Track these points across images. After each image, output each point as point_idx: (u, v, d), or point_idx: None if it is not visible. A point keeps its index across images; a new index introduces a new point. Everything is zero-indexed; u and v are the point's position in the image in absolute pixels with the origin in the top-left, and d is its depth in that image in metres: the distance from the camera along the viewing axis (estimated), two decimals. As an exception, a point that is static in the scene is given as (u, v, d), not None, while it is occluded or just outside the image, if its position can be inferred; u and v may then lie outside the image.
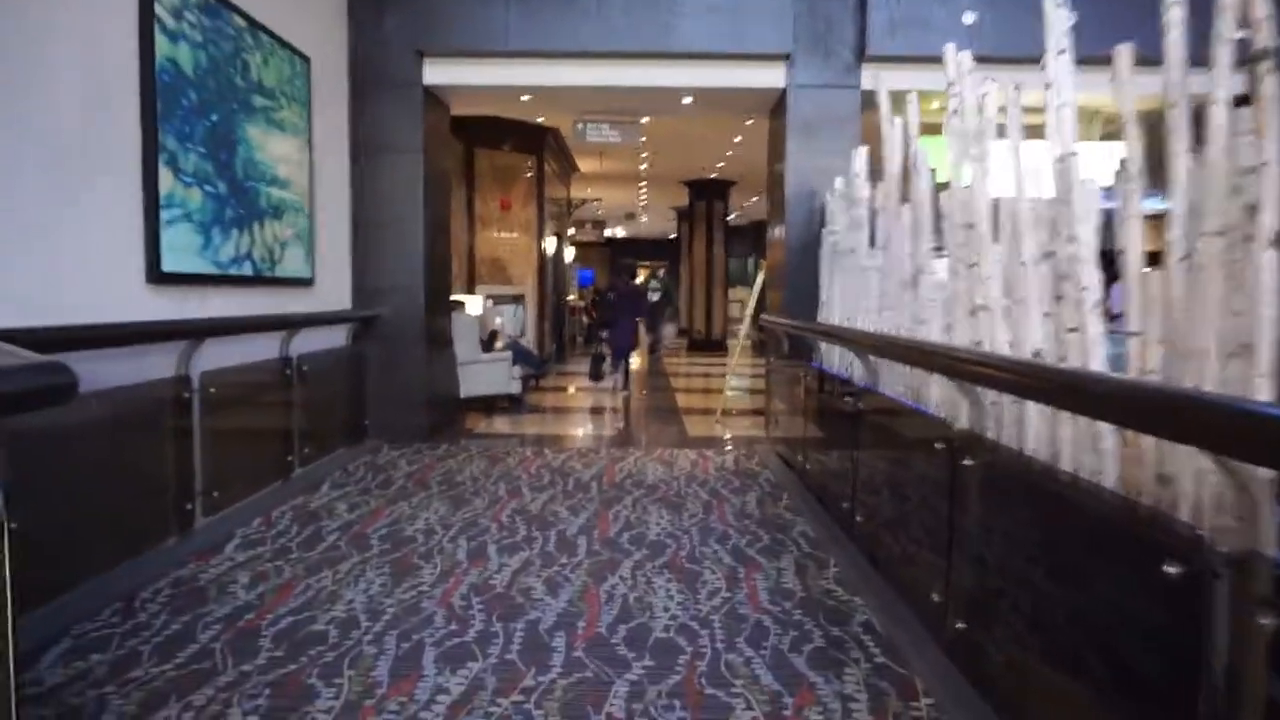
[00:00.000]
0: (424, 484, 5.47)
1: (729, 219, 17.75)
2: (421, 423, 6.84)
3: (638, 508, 4.98)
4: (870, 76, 6.56)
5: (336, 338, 6.36)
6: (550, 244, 12.68)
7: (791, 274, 6.74)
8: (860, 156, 5.47)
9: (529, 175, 11.65)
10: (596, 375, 10.33)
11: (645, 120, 8.10)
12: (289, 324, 5.29)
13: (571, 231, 17.46)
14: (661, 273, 30.30)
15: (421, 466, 5.99)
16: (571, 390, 11.09)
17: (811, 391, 5.32)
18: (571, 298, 17.99)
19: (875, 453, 3.95)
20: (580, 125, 7.88)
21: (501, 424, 8.15)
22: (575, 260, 17.73)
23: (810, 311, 6.41)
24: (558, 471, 5.87)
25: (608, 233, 29.09)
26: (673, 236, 32.65)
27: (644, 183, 17.69)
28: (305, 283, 5.77)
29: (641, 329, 11.11)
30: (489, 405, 8.87)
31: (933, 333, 3.74)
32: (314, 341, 5.75)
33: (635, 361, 14.83)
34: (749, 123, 11.06)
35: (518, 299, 11.68)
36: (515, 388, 8.55)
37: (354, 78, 6.64)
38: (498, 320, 8.71)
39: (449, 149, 7.64)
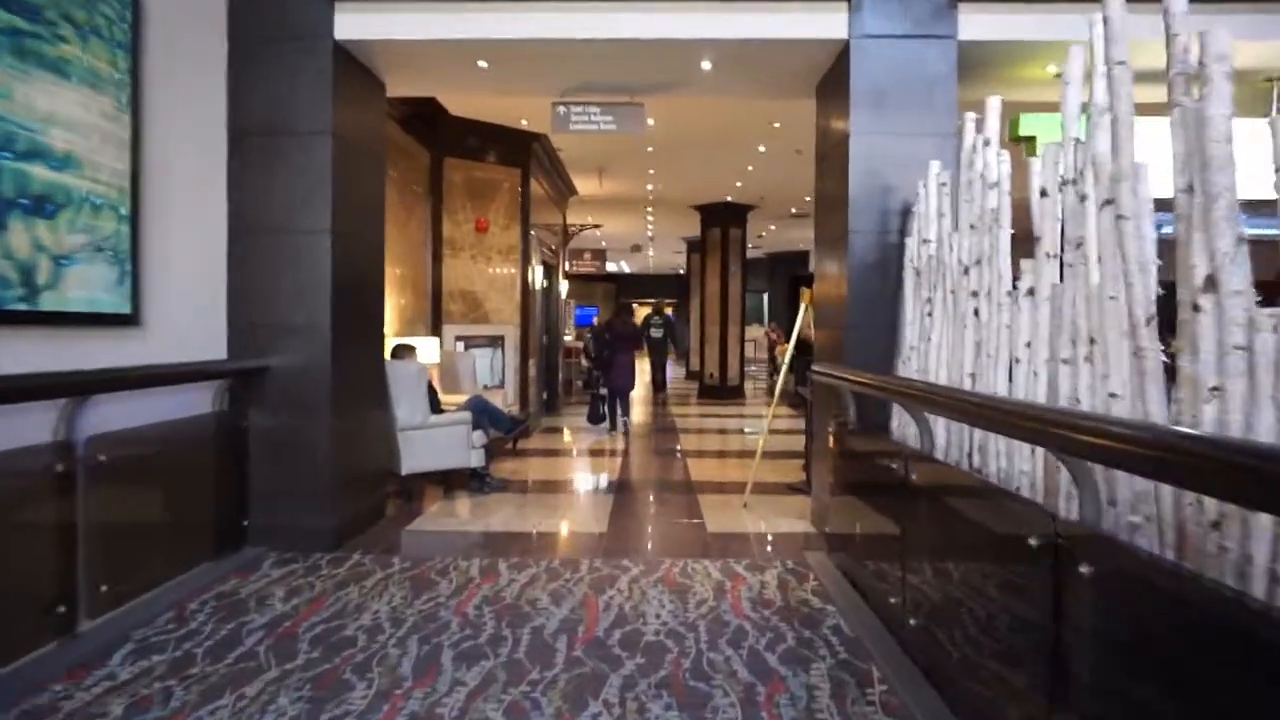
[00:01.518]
0: (286, 646, 3.38)
1: (747, 249, 15.76)
2: (327, 523, 4.77)
3: (628, 709, 2.87)
4: (974, 23, 4.57)
5: (197, 401, 4.33)
6: (538, 275, 10.68)
7: (853, 307, 4.70)
8: (990, 115, 3.46)
9: (512, 192, 9.68)
10: (596, 418, 10.48)
11: (646, 102, 6.10)
12: (59, 388, 3.24)
13: (568, 266, 15.46)
14: (668, 311, 28.42)
15: (302, 602, 3.91)
16: (560, 451, 9.01)
17: (923, 494, 3.23)
18: (569, 338, 15.96)
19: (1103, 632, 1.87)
20: (562, 109, 5.87)
21: (454, 510, 6.06)
22: (570, 296, 15.73)
23: (877, 358, 4.38)
24: (509, 612, 3.78)
25: (611, 266, 27.19)
26: (681, 271, 30.82)
27: (650, 209, 15.76)
28: (119, 320, 3.73)
29: (638, 367, 10.87)
30: (447, 479, 6.81)
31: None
32: (154, 407, 3.74)
33: (635, 408, 12.77)
34: (776, 125, 9.10)
35: (496, 341, 9.65)
36: (476, 459, 6.47)
37: (234, 29, 4.69)
38: (429, 372, 6.70)
39: (381, 139, 5.66)
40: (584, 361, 16.72)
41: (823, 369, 4.57)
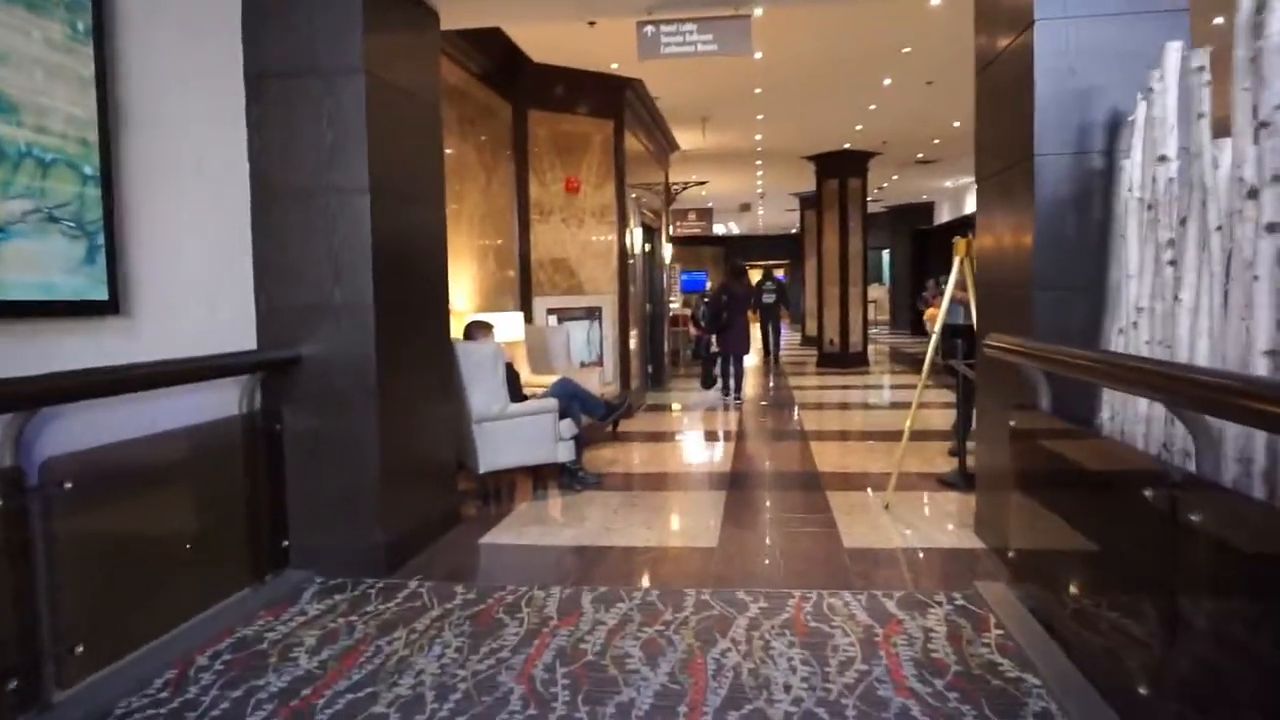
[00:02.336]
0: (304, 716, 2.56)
1: (875, 192, 14.29)
2: (378, 539, 3.96)
3: None
4: None
5: (220, 402, 3.57)
6: (638, 239, 9.70)
7: (1042, 259, 3.49)
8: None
9: (605, 147, 8.70)
10: (709, 382, 10.54)
11: (757, 12, 4.97)
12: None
13: (672, 228, 14.40)
14: (779, 274, 26.81)
15: (333, 655, 3.09)
16: (665, 434, 8.07)
17: (1212, 545, 2.06)
18: (675, 305, 14.96)
19: None
20: (650, 29, 4.81)
21: (539, 514, 5.20)
22: (675, 261, 14.70)
23: (1078, 326, 3.20)
24: (588, 677, 2.85)
25: (719, 228, 25.96)
26: (794, 231, 29.25)
27: (759, 162, 14.49)
28: (92, 309, 2.96)
29: (755, 331, 10.62)
30: (535, 473, 5.98)
31: None
32: (166, 412, 3.02)
33: (749, 380, 11.71)
34: (906, 50, 7.76)
35: (592, 313, 8.75)
36: (566, 452, 5.58)
37: (245, -50, 3.85)
38: (509, 352, 5.79)
39: (434, 81, 4.75)
40: (692, 330, 15.75)
41: (1001, 342, 3.39)
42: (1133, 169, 3.15)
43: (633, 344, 9.45)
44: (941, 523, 4.70)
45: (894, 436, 7.37)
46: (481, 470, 5.36)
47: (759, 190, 18.72)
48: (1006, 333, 3.60)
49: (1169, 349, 2.80)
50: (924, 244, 22.68)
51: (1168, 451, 2.78)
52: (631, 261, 9.50)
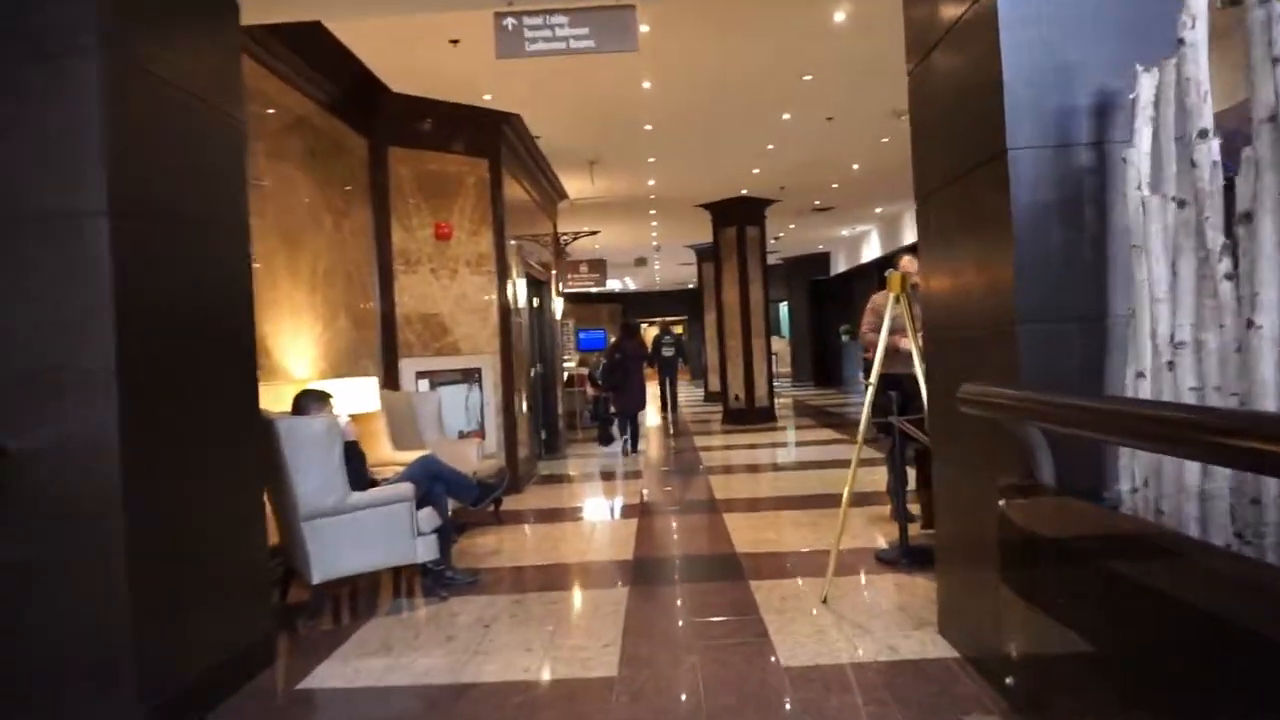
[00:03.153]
0: None
1: (771, 242, 13.76)
2: (128, 713, 2.74)
3: None
4: None
5: None
6: (522, 291, 8.70)
7: (1026, 284, 2.65)
8: None
9: (480, 188, 7.72)
10: (606, 439, 10.96)
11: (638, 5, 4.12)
12: None
13: (564, 283, 13.48)
14: (676, 329, 26.26)
15: None
16: (558, 513, 6.99)
17: None
18: (570, 364, 13.97)
19: None
20: (510, 22, 3.85)
21: (389, 636, 4.03)
22: (571, 319, 13.78)
23: (1076, 368, 2.38)
24: None
25: (614, 284, 25.27)
26: (691, 285, 28.86)
27: (653, 212, 13.81)
28: None
29: (654, 387, 11.03)
30: (397, 570, 4.82)
31: None
32: None
33: (652, 442, 10.80)
34: (806, 78, 7.14)
35: (471, 375, 7.65)
36: (427, 550, 4.44)
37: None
38: (343, 421, 4.62)
39: (235, 85, 3.68)
40: (589, 390, 14.78)
41: (990, 395, 2.52)
42: (1140, 159, 2.37)
43: (521, 408, 8.37)
44: (896, 620, 3.79)
45: (815, 503, 6.53)
46: (315, 579, 4.17)
47: (654, 243, 18.09)
48: (973, 380, 2.74)
49: (1240, 398, 1.97)
50: (821, 295, 22.52)
51: (1247, 543, 1.94)
52: (516, 318, 8.48)
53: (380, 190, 7.09)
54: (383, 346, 7.03)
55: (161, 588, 2.90)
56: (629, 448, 10.37)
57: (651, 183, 11.40)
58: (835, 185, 12.38)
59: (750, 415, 13.07)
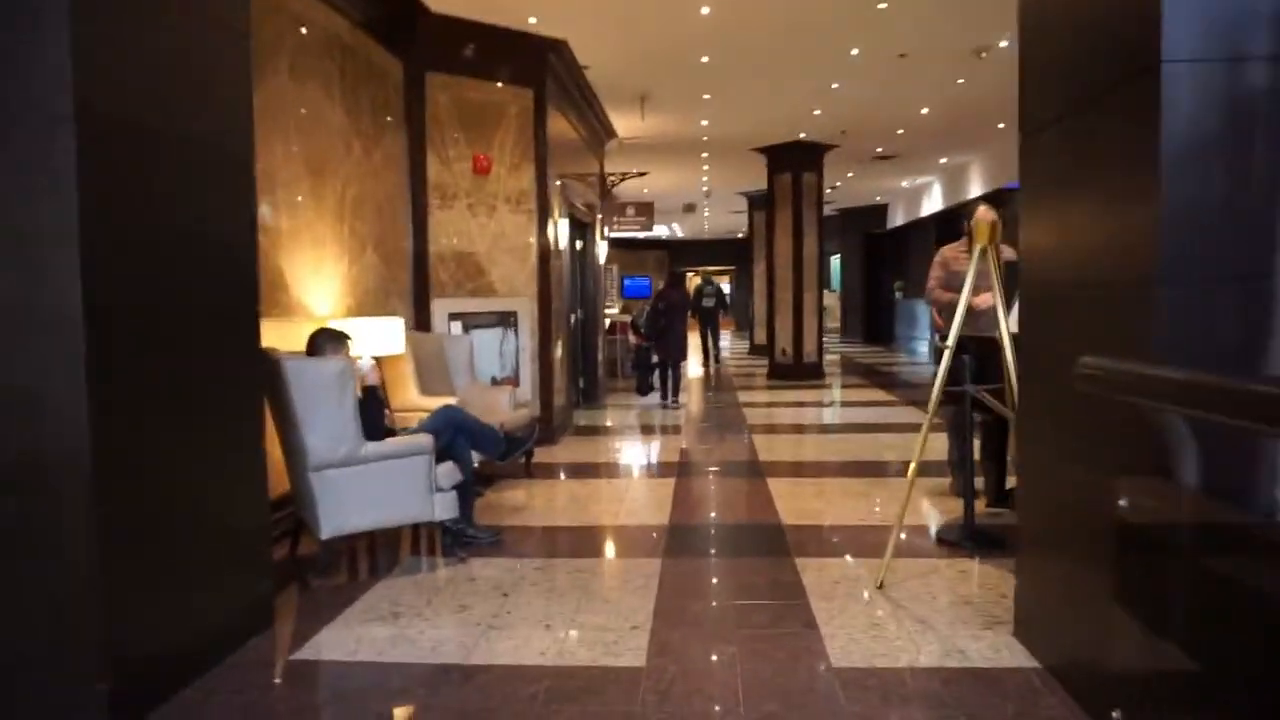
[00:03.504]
0: None
1: (828, 192, 13.09)
2: (89, 697, 2.44)
3: None
4: None
5: None
6: (564, 232, 8.25)
7: (1175, 236, 2.13)
8: None
9: (523, 120, 7.24)
10: (645, 389, 10.53)
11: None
12: None
13: (609, 227, 12.98)
14: (720, 280, 25.72)
15: None
16: (591, 468, 6.64)
17: None
18: (613, 311, 13.56)
19: None
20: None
21: (399, 600, 3.71)
22: (616, 264, 13.32)
23: (1231, 342, 1.85)
24: None
25: (661, 230, 24.66)
26: (741, 235, 28.12)
27: (705, 155, 13.18)
28: None
29: (695, 338, 10.80)
30: (413, 532, 4.52)
31: None
32: None
33: (693, 389, 10.39)
34: (881, 6, 6.49)
35: (506, 319, 7.27)
36: (445, 508, 4.10)
37: None
38: (365, 364, 4.24)
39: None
40: (632, 338, 14.39)
41: (1116, 371, 2.04)
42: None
43: (557, 355, 8.00)
44: (962, 616, 3.35)
45: (866, 470, 6.08)
46: (324, 535, 3.86)
47: (704, 188, 17.45)
48: (1089, 351, 2.25)
49: None
50: (876, 249, 21.71)
51: None
52: (556, 260, 8.06)
53: (416, 118, 6.66)
54: (414, 286, 6.67)
55: (135, 551, 2.58)
56: (671, 398, 10.20)
57: (705, 123, 10.79)
58: (900, 132, 11.63)
59: (797, 371, 12.56)
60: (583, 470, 6.52)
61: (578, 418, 9.03)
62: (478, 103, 7.01)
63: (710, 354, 15.43)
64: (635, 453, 7.32)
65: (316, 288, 4.99)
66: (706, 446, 7.46)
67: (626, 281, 27.74)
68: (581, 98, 8.97)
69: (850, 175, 15.56)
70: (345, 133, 5.49)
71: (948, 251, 5.24)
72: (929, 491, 5.36)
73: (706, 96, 9.45)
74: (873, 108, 10.12)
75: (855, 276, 21.93)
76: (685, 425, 8.71)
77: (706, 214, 22.29)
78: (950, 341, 3.81)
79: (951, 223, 17.46)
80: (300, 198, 4.84)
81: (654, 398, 10.47)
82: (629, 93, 9.28)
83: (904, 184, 17.34)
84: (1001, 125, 11.18)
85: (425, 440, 4.06)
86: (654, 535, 4.63)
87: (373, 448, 3.93)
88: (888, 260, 21.61)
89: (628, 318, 14.43)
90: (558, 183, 8.07)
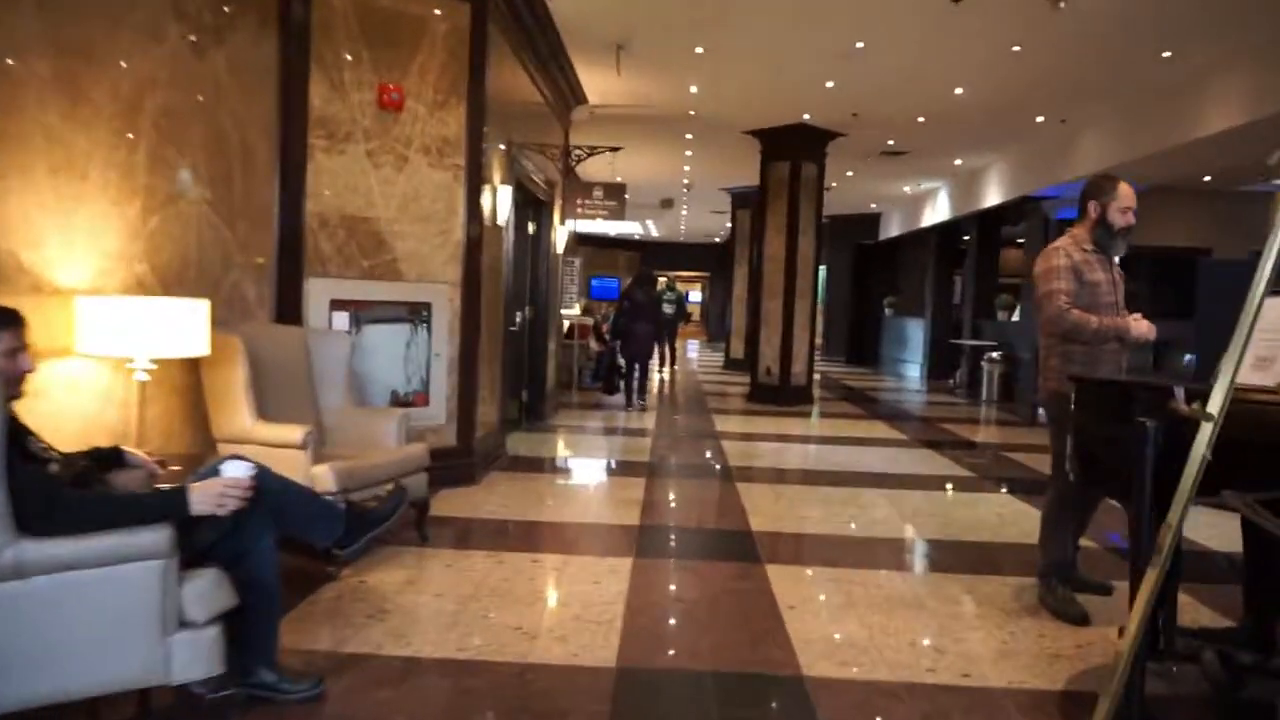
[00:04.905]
0: None
1: (824, 197, 11.31)
2: None
3: None
4: None
5: None
6: (505, 203, 6.29)
7: None
8: None
9: (453, 43, 5.31)
10: (611, 389, 10.35)
11: None
12: None
13: (567, 212, 11.04)
14: (681, 288, 24.09)
15: None
16: (515, 526, 4.73)
17: None
18: (572, 312, 11.64)
19: None
20: None
21: None
22: (575, 255, 11.44)
23: None
24: None
25: (632, 227, 22.75)
26: (719, 239, 26.35)
27: (689, 136, 11.32)
28: None
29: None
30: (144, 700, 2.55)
31: None
32: None
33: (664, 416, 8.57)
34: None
35: (417, 312, 5.33)
36: (194, 661, 2.18)
37: None
38: (22, 366, 2.37)
39: None
40: (593, 345, 12.50)
41: None
42: None
43: (490, 364, 6.08)
44: None
45: (910, 557, 4.18)
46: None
47: (685, 182, 15.60)
48: None
49: None
50: (865, 262, 20.03)
51: None
52: (494, 239, 6.16)
53: (297, 21, 4.70)
54: (279, 259, 4.70)
55: None
56: (637, 398, 9.99)
57: (694, 90, 8.92)
58: (921, 120, 9.86)
59: (784, 394, 10.72)
60: (501, 533, 4.59)
61: (515, 443, 7.10)
62: (391, 11, 5.07)
63: (665, 359, 14.66)
64: (580, 506, 5.38)
65: (63, 245, 3.03)
66: (676, 503, 5.57)
67: (594, 282, 25.80)
68: (543, 40, 7.07)
69: (850, 174, 13.79)
70: (154, 9, 3.52)
71: (1073, 251, 3.43)
72: (1015, 604, 3.53)
73: (699, 50, 7.58)
74: (898, 81, 8.33)
75: (842, 290, 20.21)
76: (653, 463, 6.82)
77: (685, 213, 20.46)
78: (1216, 405, 1.90)
79: (953, 236, 15.85)
80: (34, 91, 2.87)
81: (620, 399, 10.15)
82: (602, 40, 7.40)
83: (905, 189, 15.63)
84: (1040, 119, 9.48)
85: (151, 537, 2.11)
86: (596, 685, 2.73)
87: (39, 550, 1.98)
88: (877, 274, 19.94)
89: (590, 320, 12.55)
90: (502, 147, 6.18)
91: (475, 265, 5.51)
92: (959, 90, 8.48)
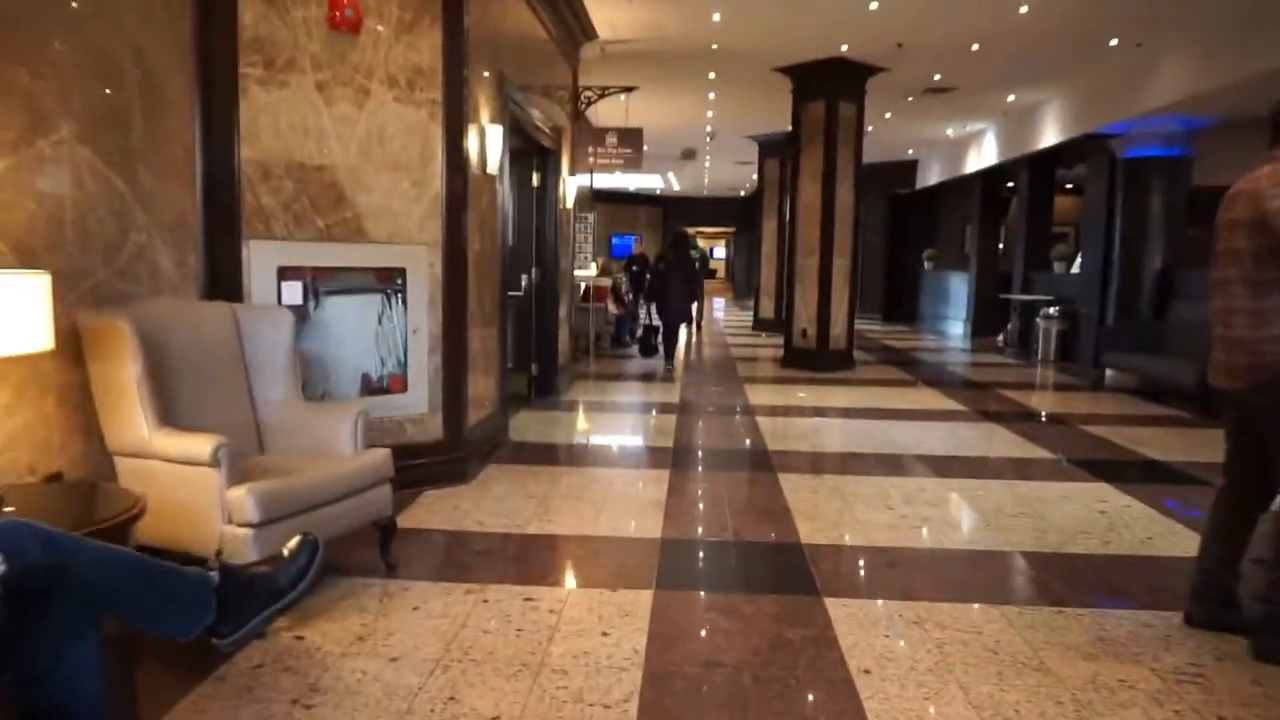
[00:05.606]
0: None
1: (865, 134, 10.18)
2: None
3: None
4: None
5: None
6: (496, 145, 5.30)
7: None
8: None
9: (422, -48, 4.32)
10: (649, 350, 10.29)
11: None
12: None
13: (579, 161, 10.01)
14: (703, 245, 22.93)
15: None
16: (509, 530, 3.85)
17: None
18: (587, 274, 10.68)
19: None
20: None
21: None
22: (587, 211, 10.46)
23: None
24: None
25: (653, 180, 21.63)
26: (744, 193, 25.14)
27: (712, 76, 10.21)
28: None
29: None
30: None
31: None
32: None
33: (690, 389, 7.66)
34: None
35: (389, 280, 4.41)
36: None
37: None
38: None
39: None
40: (612, 308, 11.56)
41: None
42: None
43: (477, 343, 5.18)
44: None
45: (1038, 596, 3.20)
46: None
47: (708, 130, 14.46)
48: None
49: None
50: (902, 212, 18.81)
51: None
52: (485, 189, 5.22)
53: (215, -83, 3.73)
54: (206, 216, 3.77)
55: None
56: (666, 363, 9.84)
57: (716, 17, 7.82)
58: (976, 48, 8.69)
59: (822, 359, 9.74)
60: (489, 555, 3.70)
61: (522, 425, 6.23)
62: (341, -92, 4.08)
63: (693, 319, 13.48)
64: (589, 512, 4.46)
65: None
66: (706, 505, 4.65)
67: (614, 240, 24.73)
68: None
69: (888, 117, 12.60)
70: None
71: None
72: (1168, 656, 2.59)
73: (723, -34, 6.50)
74: (953, 5, 7.19)
75: (876, 243, 18.99)
76: (676, 447, 5.91)
77: (708, 164, 19.29)
78: None
79: (998, 183, 14.63)
80: None
81: (658, 361, 10.06)
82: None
83: (948, 132, 14.38)
84: (1115, 42, 8.28)
85: None
86: None
87: None
88: (915, 225, 18.73)
89: (608, 281, 11.60)
90: (488, 76, 5.20)
91: (459, 221, 4.57)
92: (1024, 9, 7.32)
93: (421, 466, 4.47)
